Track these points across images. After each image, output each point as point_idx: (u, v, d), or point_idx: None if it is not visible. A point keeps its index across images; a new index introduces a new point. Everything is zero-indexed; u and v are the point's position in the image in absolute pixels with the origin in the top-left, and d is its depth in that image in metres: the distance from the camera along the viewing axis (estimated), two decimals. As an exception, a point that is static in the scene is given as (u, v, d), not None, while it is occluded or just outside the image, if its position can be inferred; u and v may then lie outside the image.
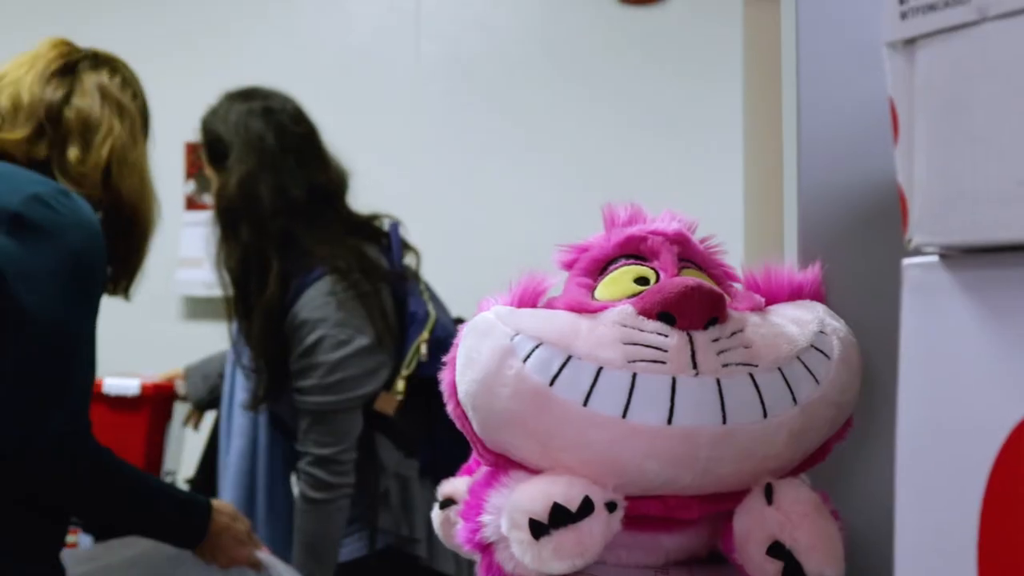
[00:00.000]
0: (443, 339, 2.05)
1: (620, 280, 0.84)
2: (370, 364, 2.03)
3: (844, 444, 0.88)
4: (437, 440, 2.12)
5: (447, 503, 1.04)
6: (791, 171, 1.03)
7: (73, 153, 1.58)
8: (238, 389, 2.21)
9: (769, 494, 0.79)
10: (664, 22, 3.53)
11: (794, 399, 0.79)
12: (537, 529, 0.75)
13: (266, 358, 2.07)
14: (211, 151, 2.14)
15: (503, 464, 0.83)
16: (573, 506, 0.75)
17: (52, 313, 1.40)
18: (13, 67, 1.63)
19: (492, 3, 3.65)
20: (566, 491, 0.76)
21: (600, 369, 0.77)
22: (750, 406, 0.78)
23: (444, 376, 0.85)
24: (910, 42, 0.50)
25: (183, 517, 1.65)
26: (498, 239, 3.46)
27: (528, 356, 0.78)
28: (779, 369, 0.79)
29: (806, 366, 0.81)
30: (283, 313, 2.02)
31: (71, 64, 1.65)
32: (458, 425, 0.85)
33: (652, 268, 0.85)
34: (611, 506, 0.77)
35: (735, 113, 1.49)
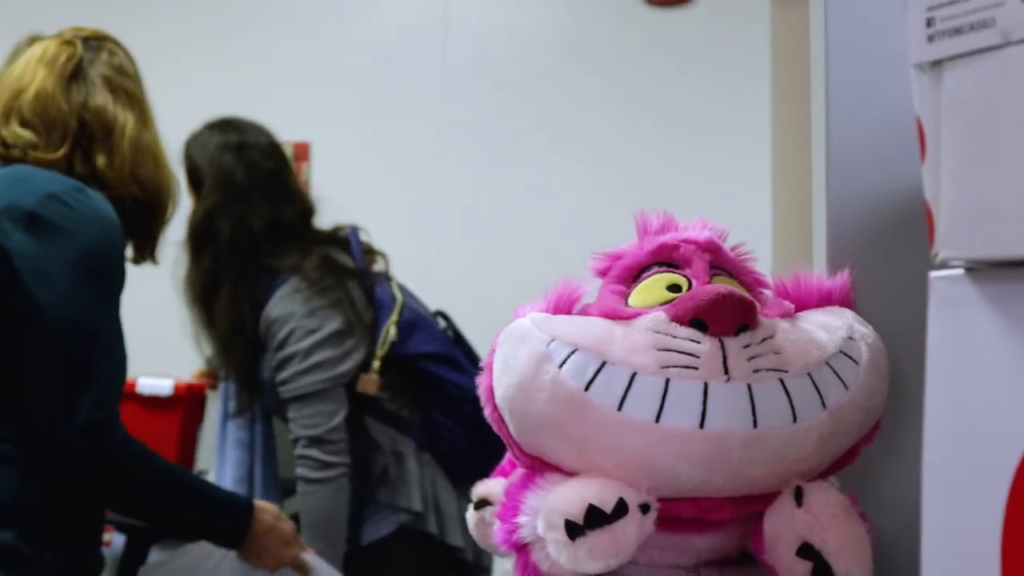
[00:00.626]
0: (411, 321, 2.24)
1: (653, 287, 0.87)
2: (344, 346, 2.16)
3: (872, 447, 0.90)
4: (431, 417, 2.24)
5: (481, 504, 1.06)
6: (820, 179, 1.04)
7: (101, 160, 1.59)
8: (230, 402, 2.38)
9: (799, 496, 0.81)
10: (691, 24, 3.54)
11: (823, 404, 0.81)
12: (573, 530, 0.77)
13: (234, 365, 2.25)
14: (189, 178, 2.28)
15: (539, 466, 0.85)
16: (608, 507, 0.77)
17: (70, 309, 1.42)
18: (28, 72, 1.63)
19: (519, 7, 3.68)
20: (601, 493, 0.78)
21: (634, 375, 0.79)
22: (780, 411, 0.80)
23: (481, 381, 0.87)
24: (936, 64, 0.52)
25: (223, 515, 1.65)
26: (525, 240, 3.49)
27: (564, 362, 0.80)
28: (809, 374, 0.81)
29: (835, 371, 0.82)
30: (253, 323, 2.19)
31: (80, 62, 1.65)
32: (495, 428, 0.87)
33: (684, 276, 0.87)
34: (644, 507, 0.79)
35: (762, 115, 1.51)
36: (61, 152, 1.56)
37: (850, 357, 0.84)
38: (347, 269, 2.24)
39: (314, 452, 2.10)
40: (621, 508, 0.78)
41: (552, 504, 0.79)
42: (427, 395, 2.24)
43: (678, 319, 0.81)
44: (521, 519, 0.83)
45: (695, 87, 3.48)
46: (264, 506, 1.73)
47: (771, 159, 1.40)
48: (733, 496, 0.83)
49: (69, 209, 1.45)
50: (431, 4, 3.68)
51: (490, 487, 1.06)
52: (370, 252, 2.35)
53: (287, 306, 2.15)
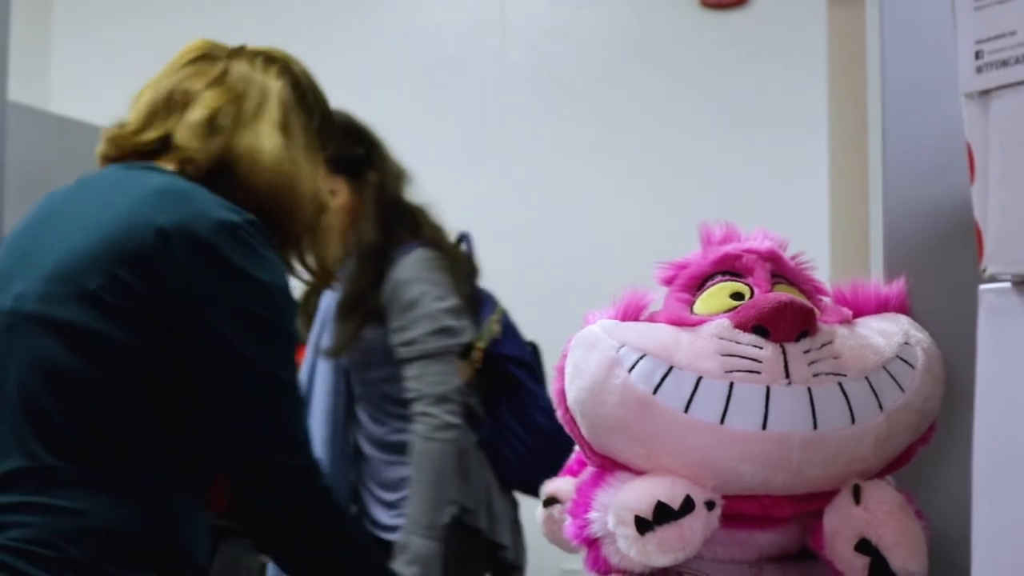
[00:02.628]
0: (508, 324, 2.35)
1: (717, 295, 0.91)
2: (462, 321, 2.24)
3: (928, 448, 0.93)
4: (500, 417, 2.32)
5: (550, 502, 1.11)
6: (876, 188, 1.08)
7: (172, 119, 1.46)
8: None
9: (857, 494, 0.85)
10: (747, 25, 3.56)
11: (880, 406, 0.85)
12: (642, 525, 0.82)
13: (360, 296, 2.25)
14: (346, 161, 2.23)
15: (609, 465, 0.90)
16: (676, 504, 0.82)
17: (249, 357, 1.33)
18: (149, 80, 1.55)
19: (576, 11, 3.71)
20: (669, 491, 0.83)
21: (700, 379, 0.84)
22: (839, 413, 0.84)
23: (553, 385, 0.92)
24: (985, 93, 0.56)
25: None
26: (587, 243, 3.52)
27: (633, 367, 0.85)
28: (866, 378, 0.85)
29: (892, 375, 0.86)
30: (378, 279, 2.23)
31: (205, 56, 1.55)
32: (567, 429, 0.92)
33: (747, 284, 0.91)
34: (710, 505, 0.84)
35: (820, 119, 1.54)
36: (155, 135, 1.46)
37: (906, 361, 0.88)
38: (466, 258, 2.36)
39: (436, 410, 2.14)
40: (688, 505, 0.82)
41: (622, 501, 0.84)
42: (502, 396, 2.30)
43: (741, 326, 0.85)
44: (592, 515, 0.87)
45: (751, 90, 3.50)
46: None
47: (828, 157, 1.44)
48: (793, 495, 0.87)
49: (246, 247, 1.33)
50: (487, 7, 3.72)
51: (558, 485, 1.11)
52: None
53: (418, 272, 2.20)
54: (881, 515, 0.83)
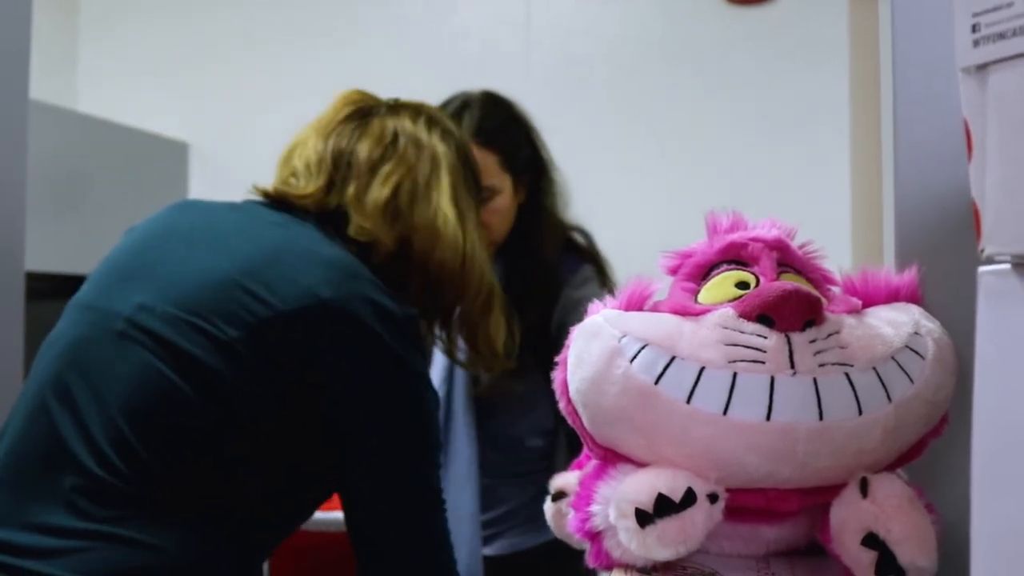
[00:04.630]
0: None
1: (722, 284, 0.89)
2: None
3: (940, 441, 0.91)
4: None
5: (559, 496, 1.09)
6: (889, 176, 1.06)
7: (351, 190, 1.39)
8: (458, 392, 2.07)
9: (864, 487, 0.83)
10: (772, 21, 3.54)
11: (889, 397, 0.83)
12: (643, 518, 0.80)
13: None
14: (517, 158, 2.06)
15: (611, 458, 0.88)
16: (677, 496, 0.80)
17: (391, 449, 1.28)
18: (306, 129, 1.49)
19: (601, 8, 3.70)
20: (670, 483, 0.81)
21: (702, 369, 0.82)
22: (846, 404, 0.82)
23: (556, 375, 0.91)
24: (982, 67, 0.54)
25: None
26: (613, 240, 3.50)
27: (635, 356, 0.83)
28: (874, 369, 0.83)
29: (901, 366, 0.84)
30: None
31: (364, 110, 1.49)
32: (569, 421, 0.91)
33: (752, 273, 0.89)
34: (713, 497, 0.82)
35: (842, 110, 1.52)
36: (313, 188, 1.40)
37: (916, 352, 0.86)
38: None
39: None
40: (690, 497, 0.81)
41: (623, 493, 0.82)
42: None
43: (746, 315, 0.83)
44: (594, 508, 0.86)
45: (776, 86, 3.48)
46: None
47: (850, 152, 1.42)
48: (800, 487, 0.85)
49: (405, 339, 1.28)
50: (512, 6, 3.71)
51: (567, 479, 1.10)
52: None
53: (592, 289, 2.00)
54: (889, 508, 0.81)
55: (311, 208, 1.38)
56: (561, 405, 0.91)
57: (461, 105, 1.97)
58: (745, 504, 0.85)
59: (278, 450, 1.25)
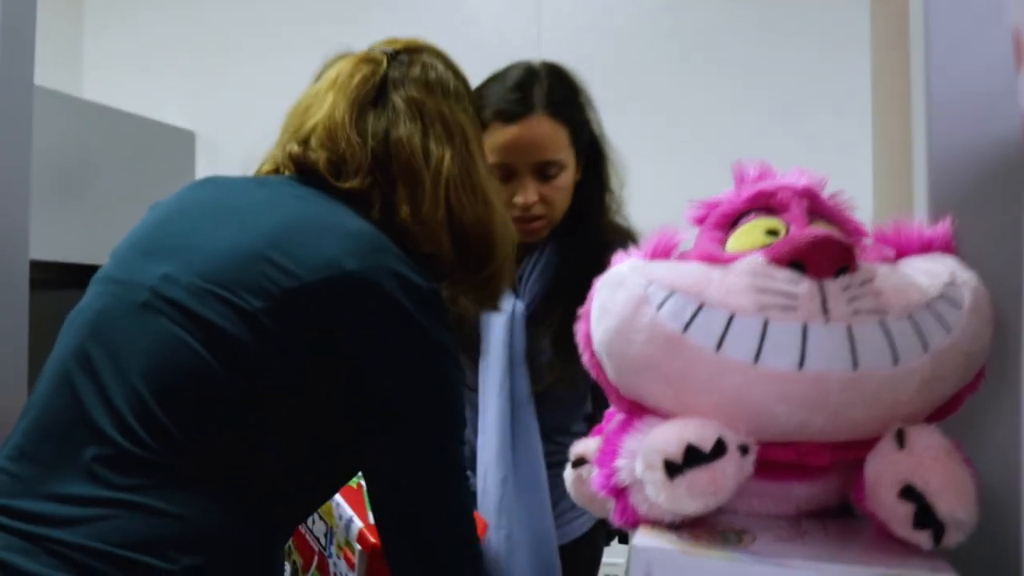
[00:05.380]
0: None
1: (751, 232, 0.86)
2: None
3: (976, 396, 0.88)
4: None
5: (579, 463, 1.06)
6: (920, 129, 1.03)
7: (404, 210, 1.34)
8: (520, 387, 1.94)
9: (900, 439, 0.80)
10: (786, 6, 3.51)
11: (924, 346, 0.80)
12: (671, 469, 0.77)
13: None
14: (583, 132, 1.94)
15: (637, 410, 0.85)
16: (706, 446, 0.77)
17: (414, 423, 1.25)
18: (316, 102, 1.41)
19: (612, -5, 3.67)
20: (700, 432, 0.78)
21: (732, 316, 0.79)
22: (880, 352, 0.79)
23: (579, 328, 0.88)
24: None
25: None
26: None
27: (662, 304, 0.81)
28: (909, 316, 0.80)
29: (937, 315, 0.81)
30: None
31: (383, 83, 1.41)
32: (593, 375, 0.88)
33: (782, 221, 0.86)
34: (743, 449, 0.79)
35: (863, 72, 1.49)
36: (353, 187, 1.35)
37: (952, 301, 0.83)
38: None
39: None
40: (720, 448, 0.78)
41: (651, 444, 0.79)
42: None
43: (777, 261, 0.80)
44: (620, 462, 0.83)
45: (792, 71, 3.44)
46: None
47: (872, 117, 1.39)
48: (832, 441, 0.82)
49: (430, 311, 1.25)
50: (523, -4, 3.70)
51: (587, 445, 1.07)
52: None
53: None
54: (927, 460, 0.78)
55: (344, 188, 1.34)
56: (585, 358, 0.88)
57: (526, 74, 1.89)
58: (776, 458, 0.82)
59: (301, 423, 1.22)
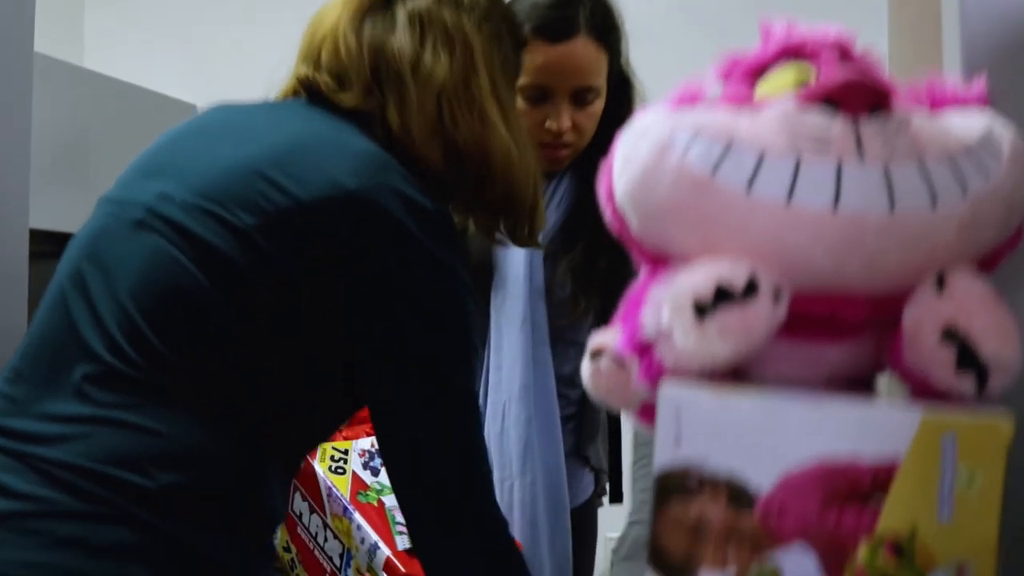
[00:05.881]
0: None
1: (781, 77, 0.83)
2: None
3: (1015, 256, 0.85)
4: None
5: (596, 354, 1.02)
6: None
7: (393, 117, 1.29)
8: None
9: (940, 283, 0.76)
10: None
11: (963, 190, 0.77)
12: (701, 310, 0.74)
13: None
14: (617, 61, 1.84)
15: (662, 263, 0.81)
16: (738, 285, 0.74)
17: (424, 348, 1.20)
18: (328, 10, 1.36)
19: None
20: (730, 271, 0.74)
21: (763, 155, 0.75)
22: (918, 194, 0.75)
23: (600, 183, 0.84)
24: None
25: None
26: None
27: (688, 148, 0.77)
28: (948, 160, 0.77)
29: (976, 161, 0.78)
30: None
31: None
32: (615, 231, 0.84)
33: (814, 67, 0.83)
34: (776, 294, 0.75)
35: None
36: (353, 101, 1.30)
37: (991, 151, 0.79)
38: None
39: None
40: (752, 287, 0.74)
41: (678, 285, 0.75)
42: None
43: (809, 99, 0.77)
44: (644, 313, 0.79)
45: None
46: None
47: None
48: (869, 292, 0.78)
49: (439, 235, 1.20)
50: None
51: (605, 338, 1.03)
52: None
53: None
54: (969, 302, 0.74)
55: (349, 107, 1.30)
56: (607, 215, 0.84)
57: None
58: (808, 311, 0.78)
59: (295, 347, 1.18)
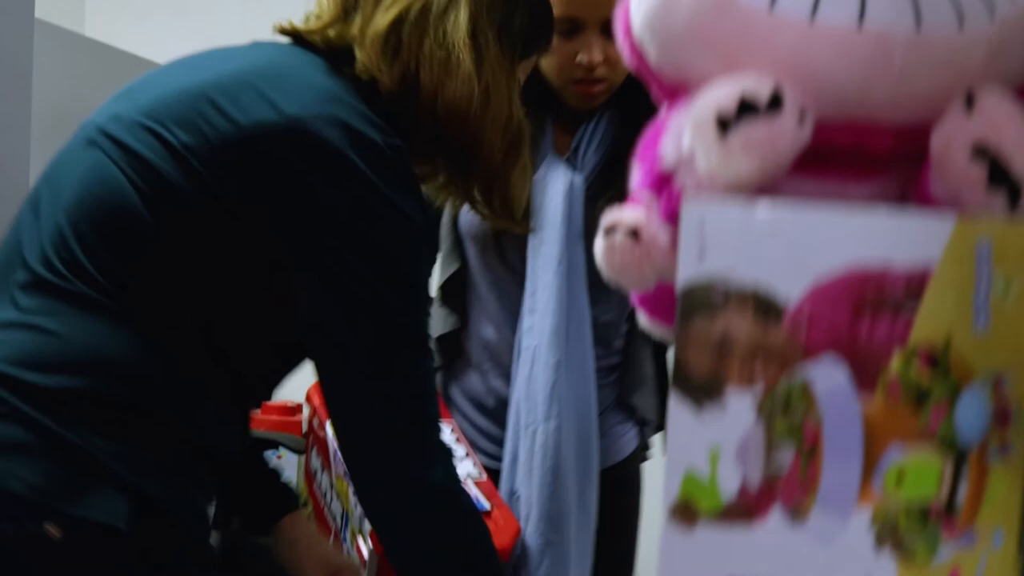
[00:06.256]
0: None
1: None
2: None
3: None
4: None
5: (611, 230, 1.00)
6: None
7: (357, 21, 1.22)
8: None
9: (969, 102, 0.74)
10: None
11: (991, 12, 0.75)
12: (724, 125, 0.71)
13: None
14: None
15: (682, 94, 0.79)
16: (763, 96, 0.71)
17: (372, 290, 1.15)
18: None
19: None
20: (755, 83, 0.72)
21: (784, -28, 0.73)
22: (944, 11, 0.73)
23: (617, 18, 0.82)
24: None
25: None
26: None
27: (707, -30, 0.75)
28: (974, -21, 0.75)
29: (1002, -14, 0.76)
30: None
31: None
32: (633, 66, 0.82)
33: None
34: (800, 114, 0.73)
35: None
36: (321, 23, 1.25)
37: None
38: None
39: None
40: (776, 100, 0.72)
41: (701, 103, 0.73)
42: None
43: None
44: (664, 141, 0.77)
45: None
46: None
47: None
48: (894, 120, 0.76)
49: (387, 170, 1.15)
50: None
51: (620, 214, 1.00)
52: None
53: None
54: (999, 118, 0.72)
55: (319, 43, 1.25)
56: (625, 51, 0.82)
57: None
58: (833, 141, 0.76)
59: (228, 273, 1.16)
